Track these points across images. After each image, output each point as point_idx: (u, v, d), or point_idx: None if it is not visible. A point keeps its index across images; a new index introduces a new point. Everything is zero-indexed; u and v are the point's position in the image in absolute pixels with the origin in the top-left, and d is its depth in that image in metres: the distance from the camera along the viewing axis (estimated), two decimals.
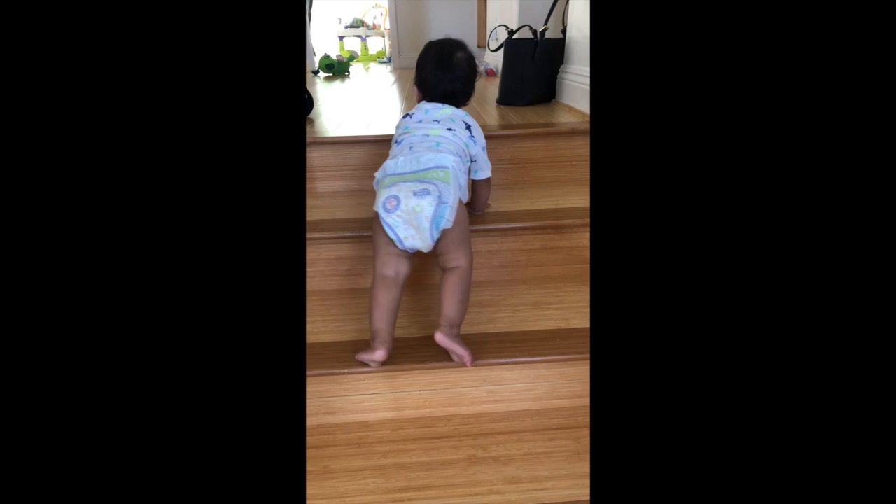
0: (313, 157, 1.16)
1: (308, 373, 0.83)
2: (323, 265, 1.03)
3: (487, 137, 1.03)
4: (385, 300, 0.80)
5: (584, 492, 0.74)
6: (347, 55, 3.10)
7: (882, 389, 0.31)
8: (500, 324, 0.93)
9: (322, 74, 2.87)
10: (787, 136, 0.34)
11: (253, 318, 0.37)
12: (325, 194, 1.18)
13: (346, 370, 0.83)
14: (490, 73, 2.53)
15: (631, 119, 0.37)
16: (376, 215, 0.80)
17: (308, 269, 1.03)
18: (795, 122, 0.34)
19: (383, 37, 4.66)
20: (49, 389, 0.32)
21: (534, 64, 1.44)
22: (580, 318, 0.94)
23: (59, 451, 0.32)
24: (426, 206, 0.76)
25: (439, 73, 0.89)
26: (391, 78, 2.70)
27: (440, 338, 0.78)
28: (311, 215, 1.07)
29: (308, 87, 1.42)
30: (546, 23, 1.45)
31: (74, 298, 0.33)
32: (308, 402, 0.86)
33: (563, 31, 1.50)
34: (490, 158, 1.19)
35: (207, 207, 0.36)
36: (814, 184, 0.33)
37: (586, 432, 0.85)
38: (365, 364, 0.82)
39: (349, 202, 1.12)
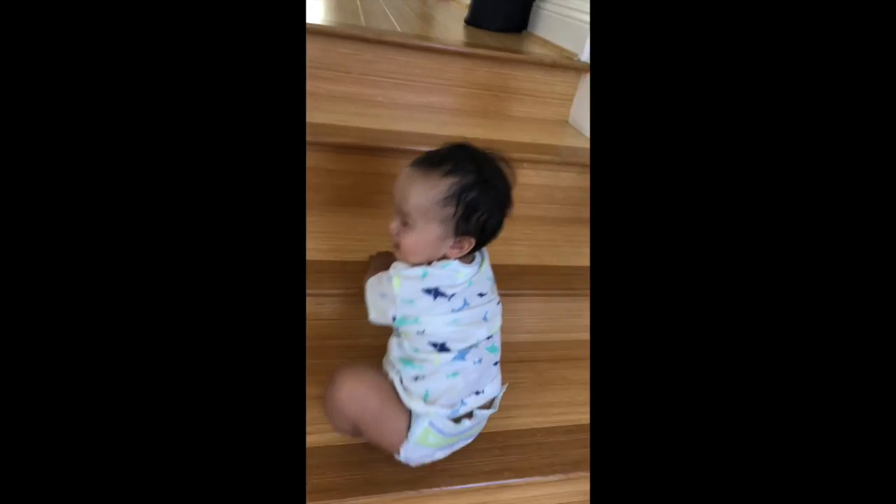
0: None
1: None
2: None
3: (458, 55, 0.96)
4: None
5: None
6: None
7: (882, 387, 0.31)
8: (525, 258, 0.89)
9: None
10: (796, 99, 0.32)
11: (252, 236, 0.33)
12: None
13: None
14: None
15: (634, 58, 0.35)
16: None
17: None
18: (803, 93, 0.32)
19: None
20: (42, 362, 0.30)
21: None
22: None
23: (58, 433, 0.30)
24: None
25: (502, 212, 0.61)
26: None
27: None
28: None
29: None
30: None
31: (69, 266, 0.31)
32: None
33: None
34: (463, 81, 1.10)
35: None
36: (817, 153, 0.32)
37: None
38: None
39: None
